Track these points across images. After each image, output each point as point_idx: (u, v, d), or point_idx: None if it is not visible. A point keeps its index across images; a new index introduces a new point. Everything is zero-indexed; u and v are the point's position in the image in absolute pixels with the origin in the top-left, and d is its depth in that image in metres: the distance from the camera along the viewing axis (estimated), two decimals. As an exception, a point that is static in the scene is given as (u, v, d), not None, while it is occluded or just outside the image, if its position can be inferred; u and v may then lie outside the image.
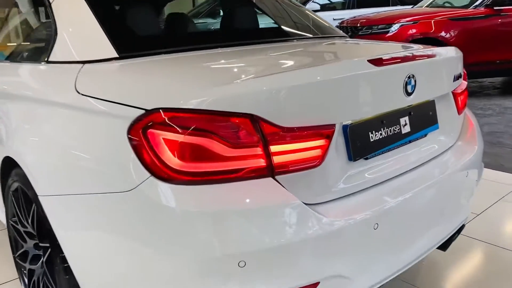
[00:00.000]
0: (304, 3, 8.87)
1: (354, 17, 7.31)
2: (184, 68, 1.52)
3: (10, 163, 1.77)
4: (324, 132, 1.32)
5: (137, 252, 1.28)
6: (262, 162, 1.24)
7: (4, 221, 2.17)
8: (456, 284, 2.09)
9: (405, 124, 1.62)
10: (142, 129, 1.24)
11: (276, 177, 1.26)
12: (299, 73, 1.35)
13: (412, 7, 7.84)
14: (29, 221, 1.72)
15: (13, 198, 1.83)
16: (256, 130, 1.23)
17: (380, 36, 6.06)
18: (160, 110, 1.23)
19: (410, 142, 1.66)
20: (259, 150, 1.24)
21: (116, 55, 1.59)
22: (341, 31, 2.42)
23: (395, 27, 6.11)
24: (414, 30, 6.05)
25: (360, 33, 6.26)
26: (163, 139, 1.22)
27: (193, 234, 1.20)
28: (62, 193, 1.42)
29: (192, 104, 1.21)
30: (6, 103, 1.95)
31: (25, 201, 1.71)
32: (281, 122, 1.25)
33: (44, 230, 1.58)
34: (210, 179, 1.22)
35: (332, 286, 1.32)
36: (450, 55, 1.80)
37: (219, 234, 1.20)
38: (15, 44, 2.52)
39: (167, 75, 1.43)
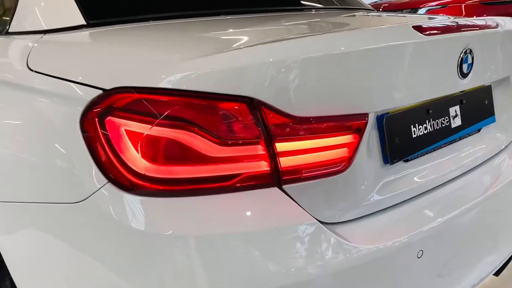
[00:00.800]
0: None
1: (376, 1, 6.89)
2: (163, 37, 1.15)
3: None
4: (352, 124, 0.95)
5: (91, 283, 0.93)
6: (264, 166, 0.89)
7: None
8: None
9: (456, 116, 1.25)
10: (99, 117, 0.89)
11: (284, 186, 0.90)
12: (319, 40, 0.98)
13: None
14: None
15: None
16: (257, 120, 0.87)
17: (405, 21, 5.64)
18: (123, 90, 0.88)
19: (460, 139, 1.29)
20: (260, 149, 0.88)
21: (84, 22, 1.23)
22: (368, 5, 2.04)
23: (421, 12, 5.69)
24: (442, 15, 5.59)
25: (383, 18, 5.83)
26: (126, 130, 0.87)
27: (167, 266, 0.85)
28: (3, 199, 1.08)
29: (166, 82, 0.86)
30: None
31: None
32: (292, 110, 0.89)
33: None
34: (190, 189, 0.87)
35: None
36: (511, 27, 1.41)
37: (204, 267, 0.85)
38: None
39: (139, 46, 1.07)
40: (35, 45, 1.20)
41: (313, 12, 1.69)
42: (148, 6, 1.41)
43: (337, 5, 1.85)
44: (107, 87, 0.89)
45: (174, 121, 0.86)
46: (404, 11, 5.79)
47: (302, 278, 0.88)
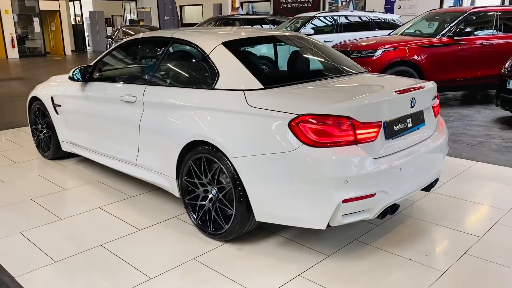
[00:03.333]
0: (299, 28, 10.43)
1: (341, 42, 8.87)
2: (307, 92, 3.02)
3: (191, 145, 3.20)
4: (377, 124, 2.83)
5: (294, 181, 2.74)
6: (352, 138, 2.74)
7: (163, 183, 3.59)
8: (436, 213, 3.63)
9: (410, 122, 3.16)
10: (297, 124, 2.71)
11: (358, 145, 2.76)
12: (367, 98, 2.88)
13: (389, 33, 9.51)
14: (209, 176, 3.15)
15: (192, 164, 3.24)
16: (350, 123, 2.73)
17: (368, 59, 7.65)
18: (305, 114, 2.71)
19: (412, 131, 3.19)
20: (351, 132, 2.74)
21: (262, 87, 3.06)
22: (361, 67, 3.95)
23: (378, 52, 7.69)
24: (393, 55, 7.67)
25: (351, 56, 7.79)
26: (308, 127, 2.70)
27: (323, 169, 2.68)
28: (248, 155, 2.86)
29: (321, 111, 2.70)
30: (186, 111, 3.31)
31: (207, 164, 3.14)
32: (360, 119, 2.75)
33: (219, 179, 3.04)
34: (329, 145, 2.71)
35: (381, 197, 2.81)
36: (431, 86, 3.37)
37: (336, 169, 2.68)
38: (177, 75, 3.86)
39: (303, 96, 2.94)
40: (246, 95, 3.01)
41: (352, 76, 3.59)
42: (285, 77, 3.27)
43: (354, 70, 3.76)
44: (299, 113, 2.72)
45: (325, 123, 2.69)
46: (367, 51, 7.79)
47: (365, 172, 2.72)
